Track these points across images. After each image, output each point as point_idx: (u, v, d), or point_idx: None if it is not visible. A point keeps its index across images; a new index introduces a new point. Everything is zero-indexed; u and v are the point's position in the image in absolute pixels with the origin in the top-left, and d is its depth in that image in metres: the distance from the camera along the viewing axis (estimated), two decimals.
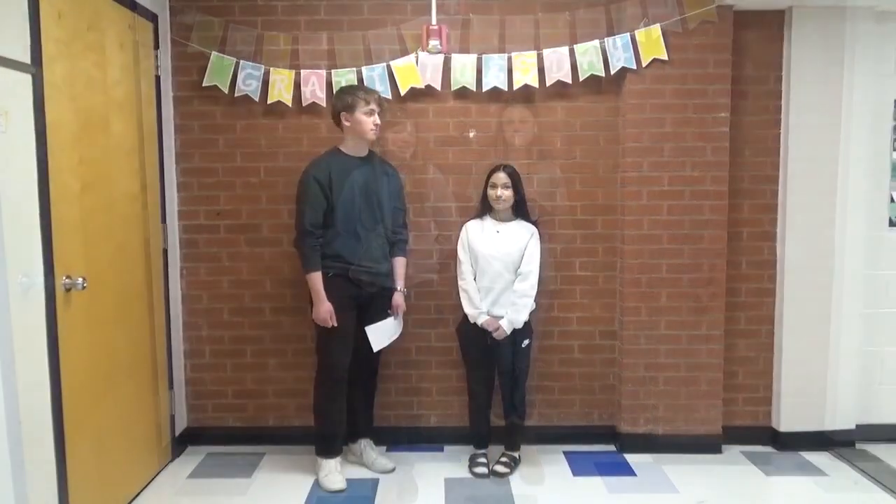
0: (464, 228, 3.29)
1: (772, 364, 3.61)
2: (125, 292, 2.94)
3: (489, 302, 3.18)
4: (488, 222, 3.25)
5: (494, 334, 3.15)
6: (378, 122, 3.11)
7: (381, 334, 3.20)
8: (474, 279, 3.22)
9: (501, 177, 3.17)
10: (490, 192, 3.20)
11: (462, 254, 3.25)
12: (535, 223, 3.25)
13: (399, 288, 3.28)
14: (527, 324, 3.21)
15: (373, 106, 3.08)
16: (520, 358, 3.24)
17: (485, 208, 3.27)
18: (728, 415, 3.58)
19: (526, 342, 3.24)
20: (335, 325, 3.06)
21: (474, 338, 3.23)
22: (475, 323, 3.19)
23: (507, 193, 3.16)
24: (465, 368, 3.39)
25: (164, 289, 3.35)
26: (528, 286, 3.15)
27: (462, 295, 3.23)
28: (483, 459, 3.32)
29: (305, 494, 3.09)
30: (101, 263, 2.72)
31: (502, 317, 3.15)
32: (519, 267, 3.17)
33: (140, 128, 3.09)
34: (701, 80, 3.38)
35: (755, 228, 3.56)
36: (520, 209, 3.24)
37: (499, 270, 3.16)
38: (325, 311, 3.04)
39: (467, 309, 3.21)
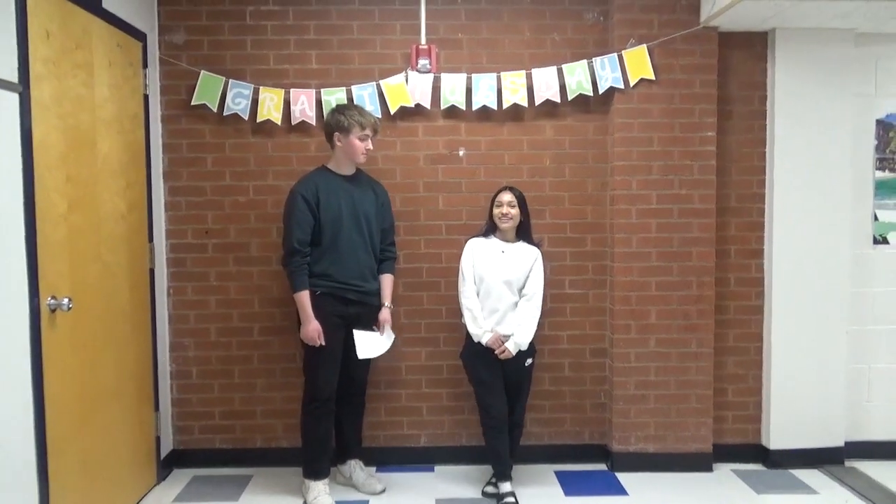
0: (468, 246, 3.23)
1: (761, 381, 3.62)
2: (111, 313, 2.90)
3: (493, 322, 3.14)
4: (493, 242, 3.22)
5: (500, 355, 3.11)
6: (370, 147, 3.11)
7: (367, 343, 3.15)
8: (477, 297, 3.18)
9: (507, 196, 3.16)
10: (496, 210, 3.17)
11: (467, 271, 3.19)
12: (538, 246, 3.23)
13: (386, 304, 3.26)
14: (531, 343, 3.18)
15: (368, 132, 3.07)
16: (523, 377, 3.22)
17: (490, 228, 3.23)
18: (718, 432, 3.58)
19: (529, 361, 3.20)
20: (323, 344, 3.03)
21: (481, 359, 3.15)
22: (479, 342, 3.12)
23: (514, 212, 3.14)
24: (478, 394, 3.23)
25: (151, 309, 3.31)
26: (533, 307, 3.13)
27: (466, 314, 3.17)
28: (511, 499, 3.10)
29: None
30: (87, 283, 2.69)
31: (507, 336, 3.12)
32: (523, 288, 3.15)
33: (128, 147, 3.07)
34: (687, 99, 3.42)
35: (743, 246, 3.59)
36: (523, 231, 3.21)
37: (504, 291, 3.13)
38: (312, 329, 3.01)
39: (472, 329, 3.14)
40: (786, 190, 3.51)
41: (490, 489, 3.24)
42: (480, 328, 3.12)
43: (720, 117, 3.47)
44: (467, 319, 3.16)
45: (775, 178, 3.50)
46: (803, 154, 3.49)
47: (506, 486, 3.16)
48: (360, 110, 3.14)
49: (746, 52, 3.52)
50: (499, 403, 3.16)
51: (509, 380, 3.20)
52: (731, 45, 3.49)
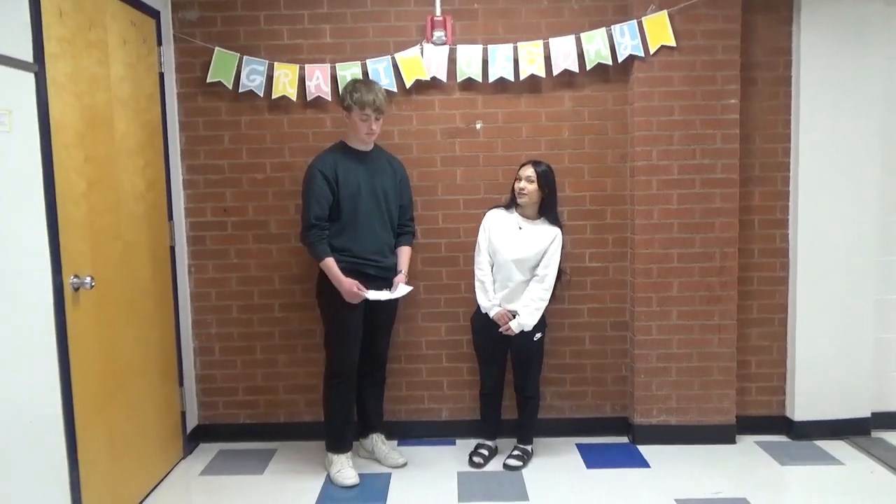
0: (486, 217, 3.23)
1: (785, 353, 3.57)
2: (133, 291, 2.93)
3: (502, 296, 3.15)
4: (513, 216, 3.19)
5: (504, 331, 3.13)
6: (374, 128, 3.03)
7: (381, 294, 3.09)
8: (491, 270, 3.19)
9: (527, 170, 3.12)
10: (515, 184, 3.15)
11: (482, 242, 3.20)
12: (560, 226, 3.17)
13: (401, 270, 3.21)
14: (542, 318, 3.17)
15: (368, 112, 2.99)
16: (532, 351, 3.22)
17: (512, 201, 3.20)
18: (742, 404, 3.56)
19: (538, 336, 3.20)
20: (367, 296, 3.02)
21: (486, 329, 3.21)
22: (487, 314, 3.17)
23: (531, 188, 3.10)
24: (476, 360, 3.38)
25: (173, 287, 3.34)
26: (542, 290, 3.10)
27: (477, 285, 3.20)
28: (484, 451, 3.32)
29: (318, 489, 3.08)
30: (109, 262, 2.71)
31: (515, 312, 3.11)
32: (535, 267, 3.13)
33: (145, 125, 3.08)
34: (709, 66, 3.34)
35: (767, 216, 3.52)
36: (546, 209, 3.17)
37: (514, 269, 3.12)
38: (349, 285, 2.99)
39: (481, 300, 3.17)
40: (811, 158, 3.42)
41: (512, 462, 3.26)
42: (489, 301, 3.14)
43: (743, 84, 3.38)
44: (478, 290, 3.19)
45: (801, 146, 3.42)
46: (830, 120, 3.40)
47: (487, 442, 3.36)
48: (367, 88, 3.02)
49: (771, 15, 3.41)
50: (489, 375, 3.30)
51: (515, 354, 3.21)
52: (754, 8, 3.38)
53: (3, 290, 2.08)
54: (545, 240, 3.12)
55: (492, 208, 3.26)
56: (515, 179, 3.17)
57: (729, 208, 3.40)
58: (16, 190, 2.15)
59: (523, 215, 3.18)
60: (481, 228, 3.23)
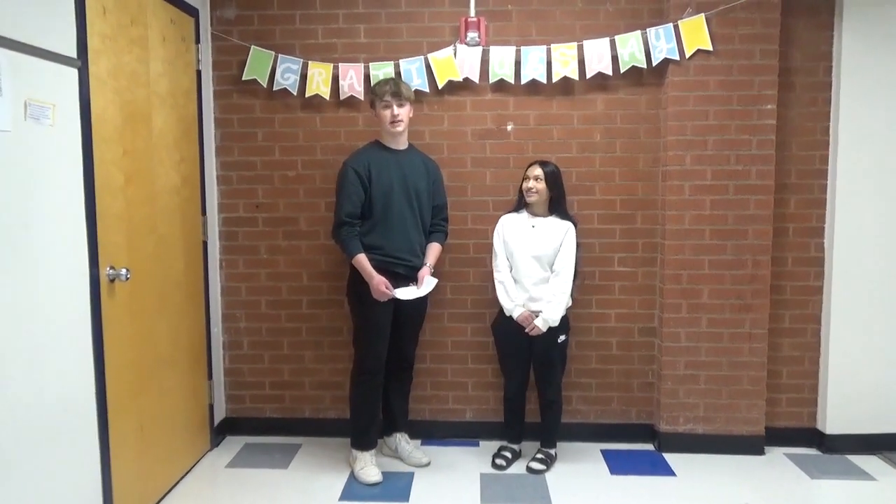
0: (499, 222, 3.27)
1: (818, 364, 3.50)
2: (166, 284, 2.98)
3: (524, 297, 3.15)
4: (524, 216, 3.22)
5: (530, 332, 3.12)
6: (396, 112, 3.03)
7: (408, 292, 3.10)
8: (510, 272, 3.20)
9: (535, 170, 3.15)
10: (524, 184, 3.18)
11: (498, 246, 3.24)
12: (574, 221, 3.18)
13: (427, 264, 3.19)
14: (564, 318, 3.17)
15: (387, 99, 3.03)
16: (555, 353, 3.21)
17: (521, 202, 3.24)
18: (771, 415, 3.49)
19: (562, 338, 3.19)
20: (395, 295, 3.03)
21: (509, 333, 3.20)
22: (510, 317, 3.16)
23: (540, 187, 3.13)
24: (499, 364, 3.38)
25: (204, 281, 3.39)
26: (562, 283, 3.11)
27: (498, 287, 3.20)
28: (507, 453, 3.32)
29: (342, 485, 3.10)
30: (144, 255, 2.77)
31: (538, 312, 3.11)
32: (553, 263, 3.13)
33: (181, 121, 3.13)
34: (747, 71, 3.29)
35: (802, 224, 3.46)
36: (556, 206, 3.18)
37: (533, 266, 3.13)
38: (378, 283, 3.00)
39: (503, 302, 3.18)
40: (850, 166, 3.35)
41: (535, 465, 3.24)
42: (512, 302, 3.15)
43: (781, 89, 3.32)
44: (499, 293, 3.20)
45: (839, 154, 3.35)
46: (870, 127, 3.33)
47: (511, 445, 3.36)
48: (384, 81, 3.11)
49: (811, 19, 3.35)
50: (512, 380, 3.30)
51: (538, 356, 3.20)
52: (794, 12, 3.33)
53: (42, 279, 2.13)
54: (559, 234, 3.13)
55: (503, 214, 3.28)
56: (524, 179, 3.19)
57: (763, 215, 3.35)
58: (57, 182, 2.21)
59: (533, 214, 3.21)
60: (495, 234, 3.26)
